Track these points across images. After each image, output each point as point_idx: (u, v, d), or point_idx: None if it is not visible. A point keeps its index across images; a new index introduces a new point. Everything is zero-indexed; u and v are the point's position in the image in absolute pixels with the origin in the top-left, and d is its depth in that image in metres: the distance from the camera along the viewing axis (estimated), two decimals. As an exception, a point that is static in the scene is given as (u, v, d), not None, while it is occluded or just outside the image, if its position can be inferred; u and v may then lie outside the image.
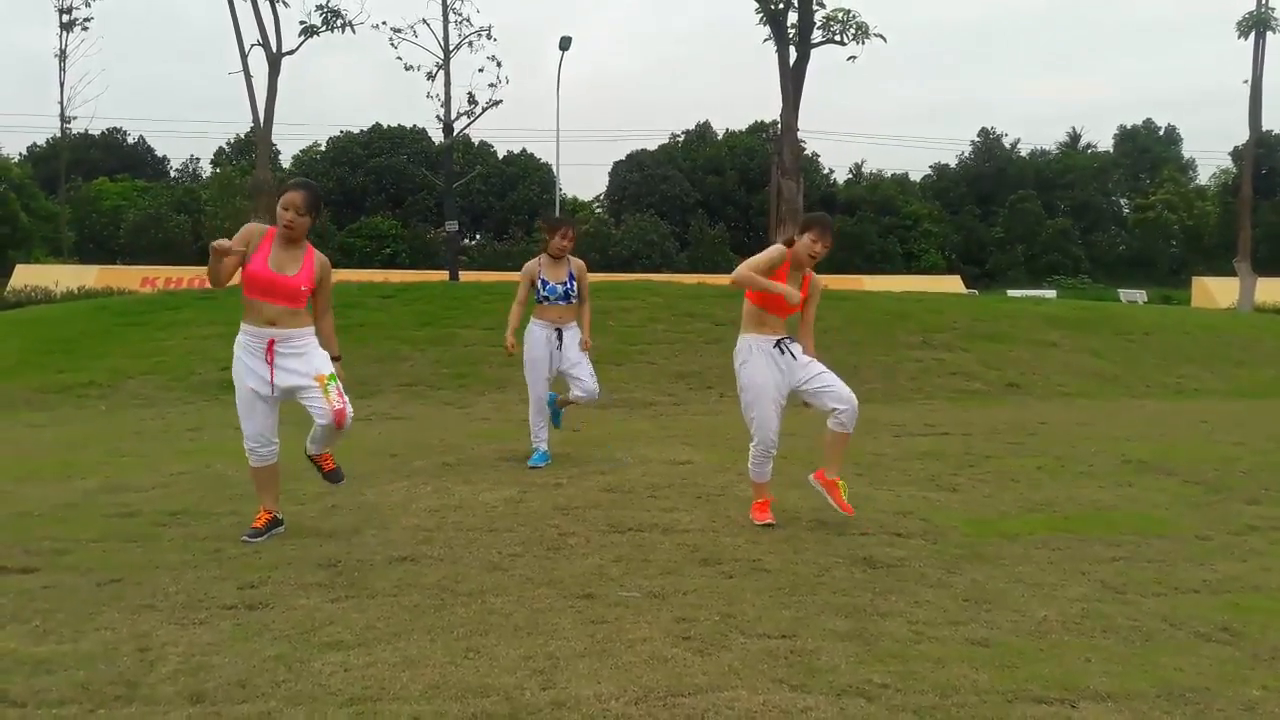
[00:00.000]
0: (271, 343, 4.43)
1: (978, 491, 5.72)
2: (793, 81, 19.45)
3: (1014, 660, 3.10)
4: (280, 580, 3.87)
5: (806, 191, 19.20)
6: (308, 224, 4.45)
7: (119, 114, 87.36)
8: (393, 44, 19.66)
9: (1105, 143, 70.41)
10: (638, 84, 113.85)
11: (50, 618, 3.43)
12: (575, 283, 6.39)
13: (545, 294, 6.34)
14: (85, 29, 41.68)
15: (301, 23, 19.25)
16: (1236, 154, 47.79)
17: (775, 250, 4.80)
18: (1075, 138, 71.11)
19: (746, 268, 4.73)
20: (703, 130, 64.98)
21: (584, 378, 6.42)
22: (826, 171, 63.83)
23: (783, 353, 4.79)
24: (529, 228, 54.70)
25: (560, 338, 6.38)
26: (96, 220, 50.30)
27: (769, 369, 4.77)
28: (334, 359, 4.61)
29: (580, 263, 6.50)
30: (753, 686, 2.87)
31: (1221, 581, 3.99)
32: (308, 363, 4.47)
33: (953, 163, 67.64)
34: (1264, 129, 29.59)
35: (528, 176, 58.54)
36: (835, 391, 4.76)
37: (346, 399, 4.55)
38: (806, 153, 51.89)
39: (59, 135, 47.04)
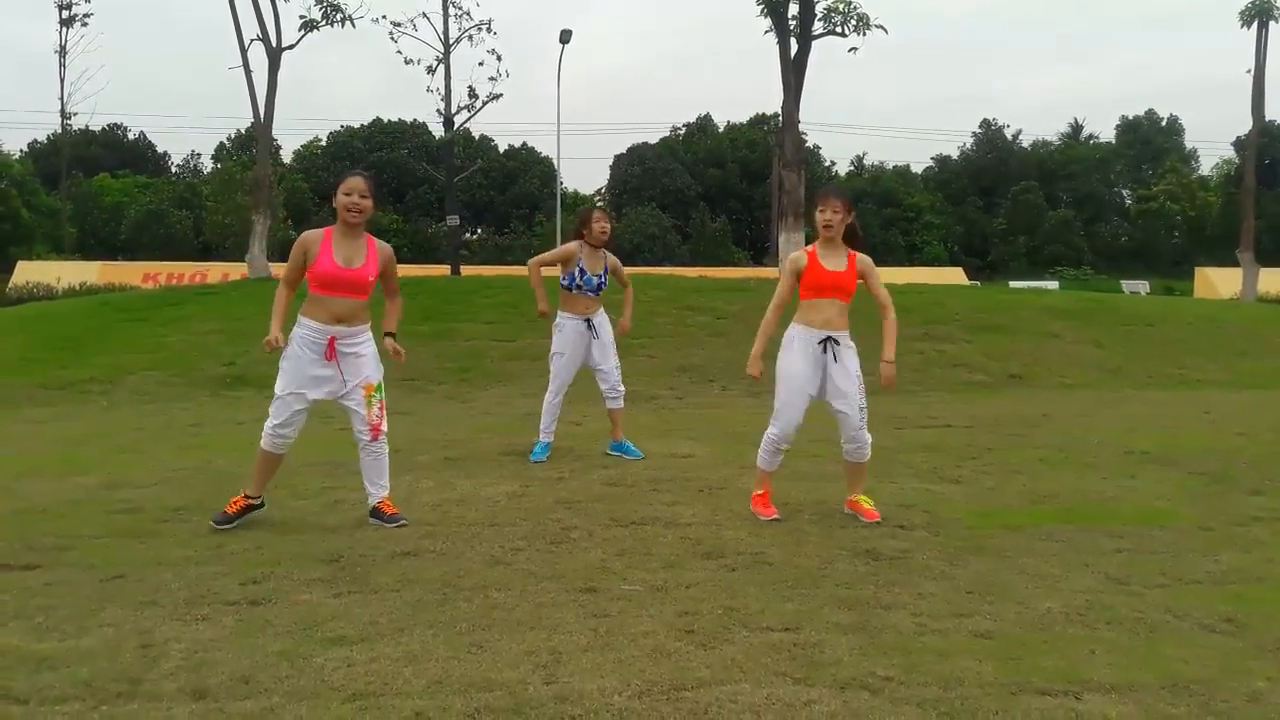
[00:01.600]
0: (333, 340, 4.51)
1: (980, 483, 5.71)
2: (794, 73, 19.37)
3: (1018, 652, 3.09)
4: (282, 575, 3.87)
5: (808, 184, 19.15)
6: (371, 208, 4.50)
7: (119, 110, 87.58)
8: (392, 38, 19.58)
9: (1107, 133, 70.34)
10: (639, 77, 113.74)
11: (52, 614, 3.43)
12: (607, 277, 6.42)
13: (581, 283, 6.30)
14: (85, 24, 41.74)
15: (301, 17, 19.15)
16: (1239, 144, 47.74)
17: (789, 263, 4.79)
18: (1077, 129, 70.97)
19: (776, 302, 4.78)
20: (704, 123, 64.92)
21: (608, 373, 6.45)
22: (828, 164, 63.86)
23: (825, 350, 4.71)
24: (530, 221, 54.70)
25: (590, 326, 6.39)
26: (98, 216, 50.32)
27: (804, 360, 4.71)
28: (388, 334, 4.77)
29: (615, 259, 6.50)
30: (756, 680, 2.87)
31: (1225, 573, 3.98)
32: (362, 367, 4.59)
33: (954, 154, 67.59)
34: (1267, 119, 29.48)
35: (529, 170, 58.52)
36: (847, 424, 4.76)
37: (385, 414, 4.70)
38: (808, 145, 51.77)
39: (60, 131, 47.09)
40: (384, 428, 4.68)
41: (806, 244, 4.83)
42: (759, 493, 4.93)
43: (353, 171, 4.61)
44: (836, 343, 4.73)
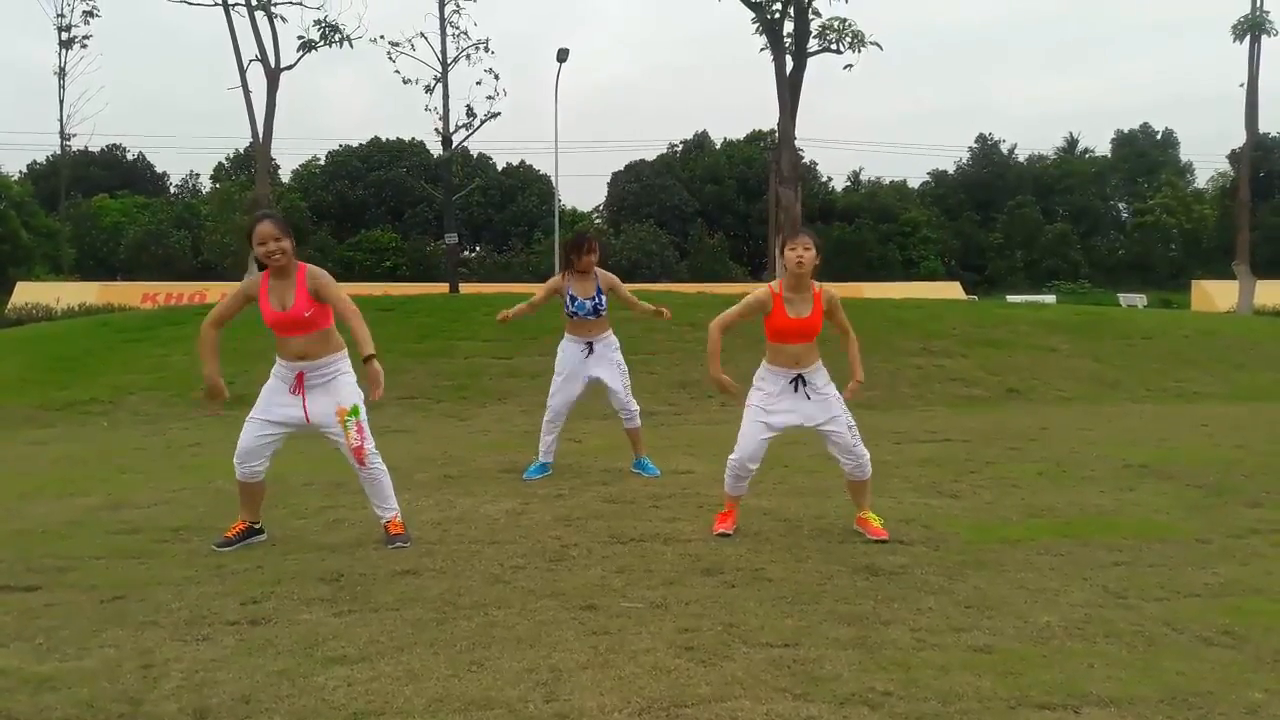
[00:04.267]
0: (300, 375, 4.54)
1: (979, 498, 5.72)
2: (790, 90, 19.50)
3: (1017, 666, 3.10)
4: (283, 595, 3.87)
5: (805, 200, 19.25)
6: (289, 246, 4.46)
7: (118, 130, 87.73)
8: (390, 58, 19.70)
9: (1103, 147, 70.62)
10: (636, 95, 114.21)
11: (53, 635, 3.44)
12: (604, 297, 6.36)
13: (574, 309, 6.30)
14: (84, 46, 41.78)
15: (299, 37, 19.30)
16: (1234, 157, 47.82)
17: (752, 295, 4.80)
18: (1073, 143, 71.26)
19: (719, 318, 4.77)
20: (701, 140, 65.21)
21: (614, 394, 6.44)
22: (825, 179, 64.04)
23: (796, 390, 4.70)
24: (528, 239, 54.84)
25: (591, 349, 6.38)
26: (97, 237, 50.42)
27: (771, 399, 4.72)
28: (366, 359, 4.37)
29: (610, 276, 6.45)
30: (756, 696, 2.88)
31: (1223, 585, 3.99)
32: (333, 395, 4.58)
33: (951, 169, 67.85)
34: (1261, 132, 29.63)
35: (527, 188, 58.70)
36: (840, 444, 4.75)
37: (367, 434, 4.64)
38: (804, 161, 52.09)
39: (59, 152, 47.17)
40: (368, 448, 4.60)
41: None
42: (723, 512, 4.96)
43: (258, 217, 4.56)
44: (805, 381, 4.72)
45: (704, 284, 34.02)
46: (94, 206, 52.47)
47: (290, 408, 4.56)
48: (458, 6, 19.80)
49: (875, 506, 5.06)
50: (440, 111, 19.82)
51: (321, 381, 4.56)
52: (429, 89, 19.82)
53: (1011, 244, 59.02)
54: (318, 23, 19.23)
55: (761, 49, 19.98)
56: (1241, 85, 25.53)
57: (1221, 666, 3.12)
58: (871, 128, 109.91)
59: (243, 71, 18.73)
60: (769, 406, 4.75)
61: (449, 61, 19.72)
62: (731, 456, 4.88)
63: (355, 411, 4.60)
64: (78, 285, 36.46)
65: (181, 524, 5.12)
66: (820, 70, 50.54)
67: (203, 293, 33.82)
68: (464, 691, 2.92)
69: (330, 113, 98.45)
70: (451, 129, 19.93)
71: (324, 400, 4.56)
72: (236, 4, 18.68)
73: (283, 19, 19.08)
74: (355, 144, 59.13)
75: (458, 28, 19.83)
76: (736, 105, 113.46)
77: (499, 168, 59.94)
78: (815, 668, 3.09)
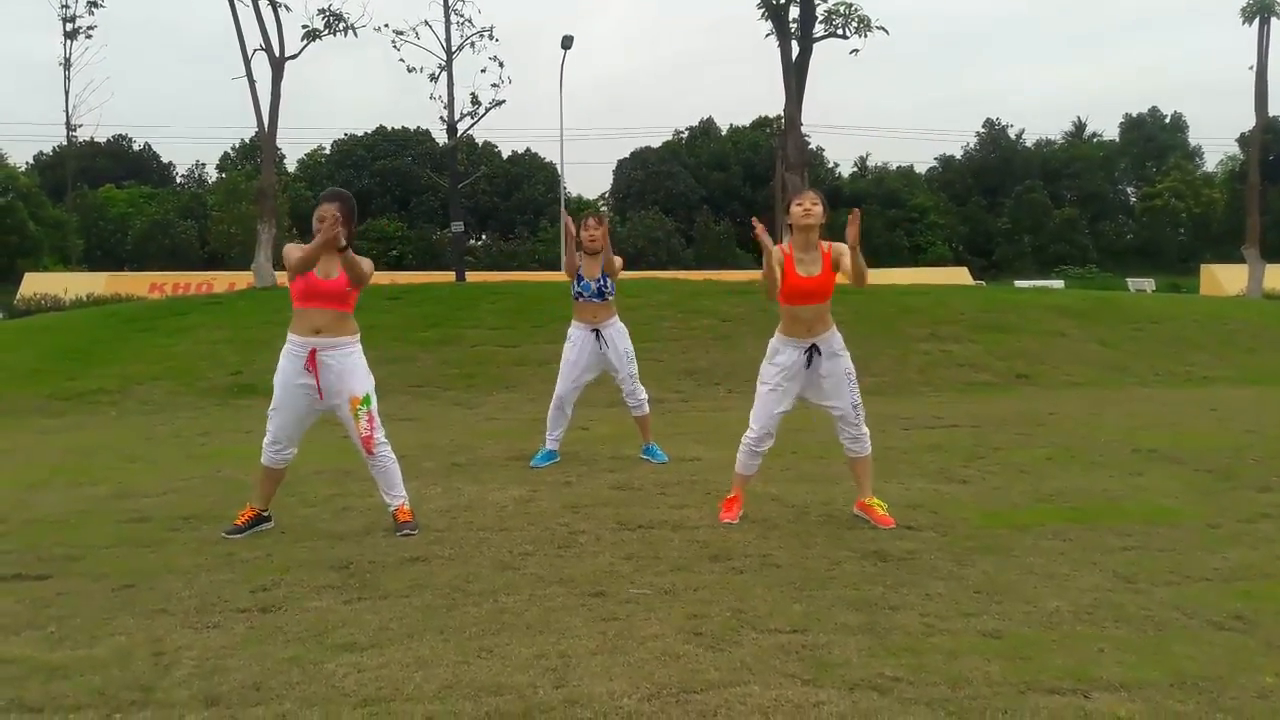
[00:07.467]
0: (313, 352, 4.57)
1: (987, 483, 5.71)
2: (795, 76, 19.42)
3: (1026, 651, 3.10)
4: (293, 582, 3.89)
5: (811, 186, 19.17)
6: (346, 233, 4.56)
7: (124, 121, 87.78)
8: (395, 46, 19.68)
9: (1111, 132, 70.12)
10: (641, 81, 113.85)
11: (65, 624, 3.45)
12: (610, 281, 6.33)
13: (580, 290, 6.32)
14: (89, 37, 41.73)
15: (304, 26, 19.23)
16: (1243, 141, 47.61)
17: (775, 253, 4.72)
18: (1081, 127, 70.82)
19: (769, 290, 4.72)
20: (706, 126, 65.04)
21: (623, 381, 6.44)
22: (831, 165, 63.83)
23: (809, 363, 4.70)
24: (534, 227, 54.79)
25: (599, 336, 6.37)
26: (104, 227, 50.54)
27: (786, 371, 4.72)
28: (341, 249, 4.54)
29: (615, 259, 6.39)
30: (765, 681, 2.88)
31: (1233, 570, 3.98)
32: (345, 382, 4.62)
33: (958, 154, 67.54)
34: (1270, 115, 29.37)
35: (532, 176, 58.62)
36: (844, 423, 4.76)
37: (378, 424, 4.70)
38: (811, 147, 51.82)
39: (65, 143, 47.21)
40: (378, 438, 4.67)
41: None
42: (730, 496, 4.95)
43: (328, 195, 4.64)
44: (819, 351, 4.70)
45: (710, 271, 33.90)
46: (101, 197, 52.56)
47: (305, 396, 4.60)
48: (462, -6, 19.74)
49: (884, 493, 5.06)
50: (445, 100, 19.81)
51: (335, 362, 4.59)
52: (434, 77, 19.81)
53: (1019, 229, 58.80)
54: (322, 11, 19.15)
55: (767, 34, 19.91)
56: (1251, 68, 25.37)
57: (1231, 651, 3.11)
58: (878, 113, 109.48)
59: (247, 61, 18.67)
60: (780, 382, 4.74)
61: (453, 50, 19.68)
62: (748, 433, 4.86)
63: (367, 401, 4.66)
64: (85, 276, 36.60)
65: (191, 512, 5.13)
66: (826, 55, 50.33)
67: (209, 282, 33.87)
68: (474, 678, 2.93)
69: (335, 102, 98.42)
70: (456, 117, 19.91)
71: (337, 384, 4.60)
72: (240, -7, 18.59)
73: (287, 8, 18.94)
74: (360, 133, 59.13)
75: (462, 15, 19.80)
76: (742, 91, 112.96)
77: (504, 156, 59.84)
78: (824, 653, 3.09)
